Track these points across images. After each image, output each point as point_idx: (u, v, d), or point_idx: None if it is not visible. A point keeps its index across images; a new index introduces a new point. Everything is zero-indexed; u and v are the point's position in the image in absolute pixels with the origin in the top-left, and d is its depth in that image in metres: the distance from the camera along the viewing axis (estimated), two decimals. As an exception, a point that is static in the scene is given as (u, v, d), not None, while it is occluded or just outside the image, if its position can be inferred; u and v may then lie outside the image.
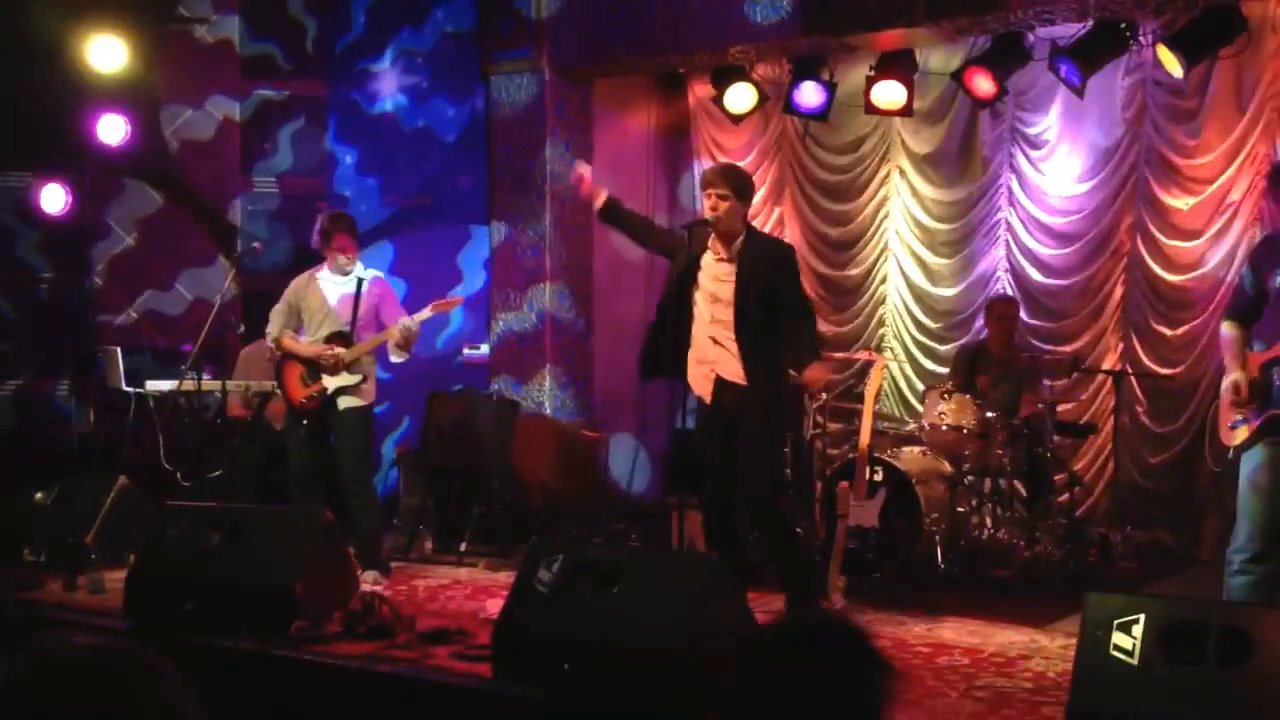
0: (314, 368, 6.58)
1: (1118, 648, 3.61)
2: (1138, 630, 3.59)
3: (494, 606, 5.38)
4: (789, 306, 5.57)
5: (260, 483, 7.35)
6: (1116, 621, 3.63)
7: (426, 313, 6.69)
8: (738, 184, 5.59)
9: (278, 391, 6.83)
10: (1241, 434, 4.63)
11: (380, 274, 6.92)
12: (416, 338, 6.68)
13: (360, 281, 6.68)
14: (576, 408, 8.87)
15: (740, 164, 9.33)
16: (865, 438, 6.51)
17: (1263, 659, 3.44)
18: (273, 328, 6.72)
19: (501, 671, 4.53)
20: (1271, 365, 4.55)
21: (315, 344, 6.60)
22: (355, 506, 6.53)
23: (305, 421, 6.61)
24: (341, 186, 9.43)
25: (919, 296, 8.86)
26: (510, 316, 8.87)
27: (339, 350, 6.53)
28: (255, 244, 7.22)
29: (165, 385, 7.46)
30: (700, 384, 5.68)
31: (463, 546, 7.56)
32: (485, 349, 8.99)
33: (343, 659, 4.94)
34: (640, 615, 4.31)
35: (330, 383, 6.55)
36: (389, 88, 9.32)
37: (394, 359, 6.77)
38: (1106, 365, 7.92)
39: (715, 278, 5.61)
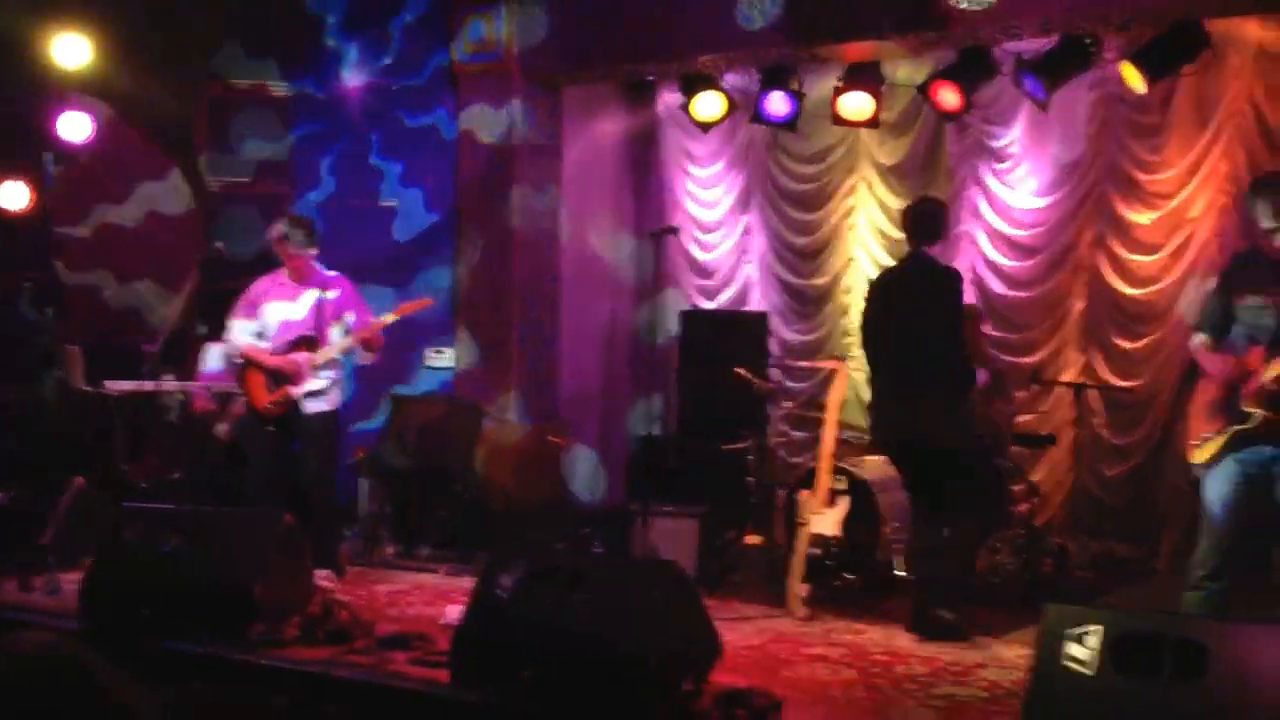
0: (278, 375, 6.54)
1: (1073, 658, 3.64)
2: (1093, 641, 3.61)
3: (454, 612, 5.37)
4: None
5: (217, 485, 7.29)
6: (1072, 632, 3.66)
7: (393, 315, 6.66)
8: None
9: (241, 397, 6.78)
10: (1208, 451, 4.67)
11: (343, 275, 6.88)
12: (381, 341, 6.65)
13: (324, 283, 6.64)
14: (541, 413, 8.85)
15: (708, 171, 9.43)
16: (828, 446, 6.54)
17: (1218, 673, 3.46)
18: (234, 332, 6.67)
19: (460, 678, 4.51)
20: (1235, 384, 4.60)
21: (278, 354, 6.55)
22: (316, 509, 6.49)
23: (270, 426, 6.57)
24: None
25: (883, 307, 8.89)
26: (475, 320, 8.85)
27: (300, 360, 6.49)
28: (217, 244, 7.17)
29: (126, 385, 7.40)
30: None
31: (424, 552, 7.53)
32: (450, 352, 8.96)
33: (301, 663, 4.92)
34: (601, 623, 4.31)
35: (295, 388, 6.52)
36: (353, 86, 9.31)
37: (361, 361, 6.74)
38: (1067, 377, 7.98)
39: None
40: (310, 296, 6.63)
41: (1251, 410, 4.49)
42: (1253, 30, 7.28)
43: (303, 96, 9.39)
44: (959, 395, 5.95)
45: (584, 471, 9.25)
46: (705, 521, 7.12)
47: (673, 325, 9.40)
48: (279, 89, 9.31)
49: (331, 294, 6.64)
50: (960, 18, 7.14)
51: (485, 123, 8.79)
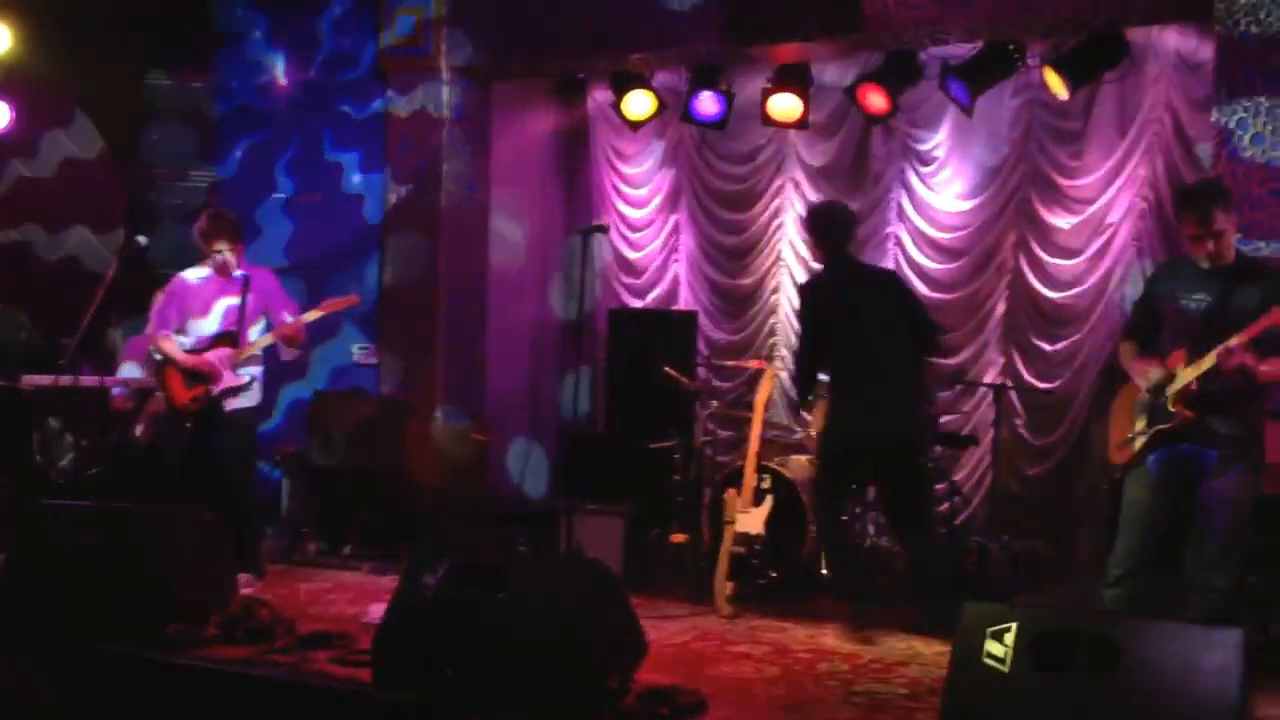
0: (195, 374, 6.46)
1: (990, 655, 3.69)
2: (1010, 639, 3.67)
3: (377, 611, 5.33)
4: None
5: (136, 482, 7.18)
6: (990, 630, 3.71)
7: (318, 312, 6.60)
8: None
9: (159, 393, 6.68)
10: (1130, 451, 4.76)
11: (268, 269, 6.81)
12: (304, 336, 6.58)
13: (246, 279, 6.56)
14: (467, 411, 8.81)
15: (638, 169, 9.44)
16: (754, 446, 6.58)
17: (1129, 667, 3.54)
18: (151, 327, 6.57)
19: (382, 677, 4.48)
20: (1161, 385, 4.69)
21: (197, 351, 6.47)
22: (236, 508, 6.41)
23: (189, 423, 6.48)
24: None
25: (810, 307, 8.96)
26: (402, 318, 8.79)
27: (214, 359, 6.41)
28: (139, 239, 7.05)
29: (43, 380, 7.25)
30: None
31: (347, 549, 7.47)
32: (375, 349, 8.89)
33: (220, 662, 4.86)
34: (525, 620, 4.30)
35: (215, 384, 6.43)
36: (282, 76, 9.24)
37: (284, 357, 6.67)
38: (988, 379, 8.10)
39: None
40: (233, 290, 6.54)
41: (1173, 410, 4.59)
42: (1171, 40, 7.44)
43: (241, 110, 9.35)
44: (925, 395, 6.07)
45: (516, 468, 9.23)
46: (631, 520, 7.13)
47: (601, 324, 9.41)
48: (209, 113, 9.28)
49: (256, 288, 6.56)
50: (883, 21, 7.21)
51: (413, 118, 8.72)
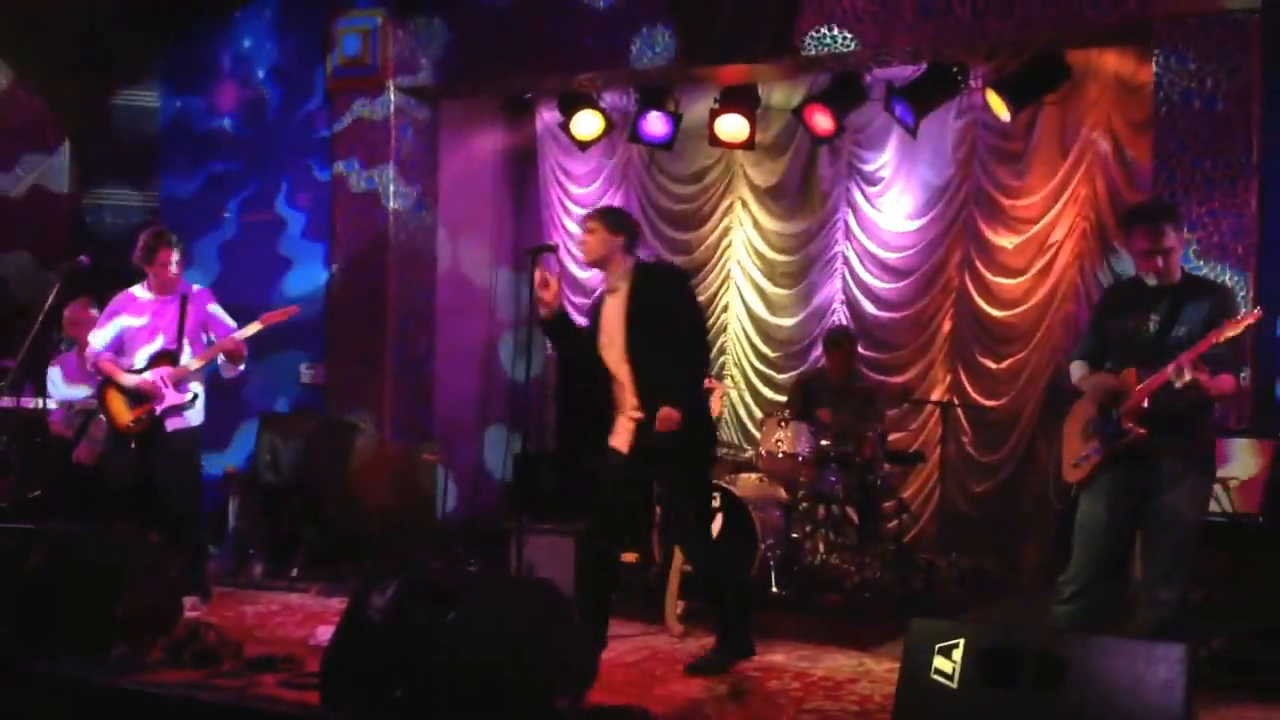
0: (137, 394, 6.39)
1: (939, 671, 3.73)
2: (958, 655, 3.71)
3: (325, 633, 5.29)
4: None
5: (79, 504, 7.07)
6: (938, 646, 3.75)
7: (256, 326, 6.54)
8: (605, 217, 5.56)
9: (102, 415, 6.60)
10: (1084, 469, 4.82)
11: (205, 288, 6.75)
12: (245, 353, 6.53)
13: (185, 298, 6.51)
14: (415, 431, 8.77)
15: (587, 190, 9.46)
16: (703, 464, 6.58)
17: (1075, 683, 3.59)
18: (90, 350, 6.50)
19: (330, 699, 4.44)
20: (1111, 404, 4.76)
21: (135, 370, 6.40)
22: (180, 529, 6.34)
23: (132, 444, 6.41)
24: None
25: (759, 326, 9.03)
26: (349, 336, 8.73)
27: (156, 378, 6.34)
28: (81, 258, 6.96)
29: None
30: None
31: (294, 571, 7.40)
32: (322, 369, 8.83)
33: (165, 687, 4.80)
34: (475, 641, 4.28)
35: (157, 404, 6.37)
36: (229, 98, 9.20)
37: (225, 375, 6.61)
38: (935, 396, 8.18)
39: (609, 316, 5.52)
40: (172, 309, 6.49)
41: (1128, 428, 4.66)
42: (1111, 62, 7.57)
43: (185, 129, 9.35)
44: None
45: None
46: (582, 539, 7.11)
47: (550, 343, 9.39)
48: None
49: (195, 306, 6.51)
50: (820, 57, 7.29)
51: (359, 138, 8.69)
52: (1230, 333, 4.45)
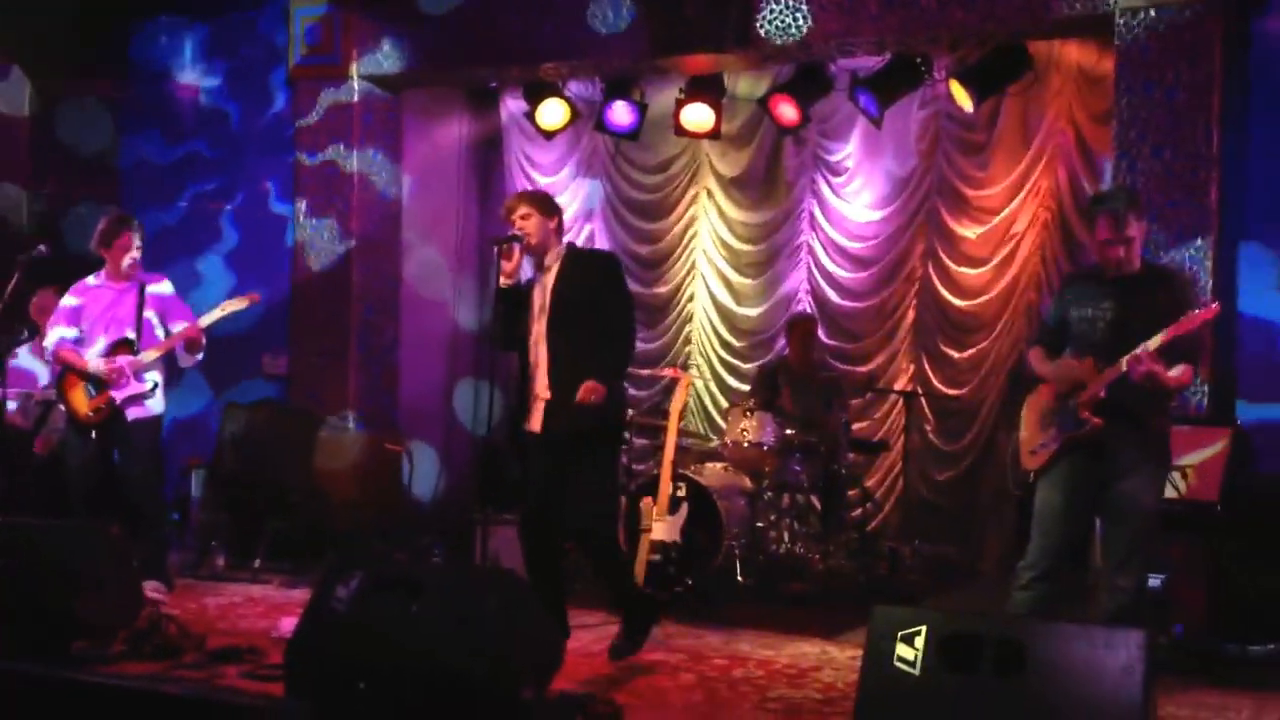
0: (98, 381, 6.34)
1: (901, 659, 3.75)
2: (920, 642, 3.73)
3: (288, 624, 5.26)
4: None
5: (38, 496, 7.01)
6: (900, 633, 3.77)
7: (217, 313, 6.49)
8: (539, 202, 5.52)
9: (62, 405, 6.54)
10: (1043, 457, 4.86)
11: (164, 277, 6.70)
12: (203, 341, 6.48)
13: (143, 286, 6.46)
14: (381, 420, 8.73)
15: (553, 179, 9.43)
16: (669, 454, 6.61)
17: (1035, 669, 3.62)
18: (51, 339, 6.44)
19: (294, 691, 4.42)
20: (1070, 393, 4.80)
21: (96, 359, 6.35)
22: (142, 519, 6.30)
23: (92, 435, 6.36)
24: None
25: (724, 315, 9.05)
26: (313, 326, 8.68)
27: (120, 364, 6.30)
28: (40, 246, 6.89)
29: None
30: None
31: (257, 563, 7.36)
32: (285, 359, 8.78)
33: (127, 679, 4.75)
34: (439, 633, 4.27)
35: (117, 393, 6.32)
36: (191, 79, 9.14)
37: (183, 364, 6.56)
38: (898, 386, 8.23)
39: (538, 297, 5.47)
40: (130, 297, 6.44)
41: (1085, 419, 4.70)
42: (1073, 53, 7.61)
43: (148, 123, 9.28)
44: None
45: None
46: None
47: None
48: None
49: (153, 294, 6.46)
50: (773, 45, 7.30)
51: (323, 127, 8.64)
52: (1187, 327, 4.49)
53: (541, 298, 5.44)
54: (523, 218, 5.44)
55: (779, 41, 7.27)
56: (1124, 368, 4.55)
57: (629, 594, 5.52)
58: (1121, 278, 4.78)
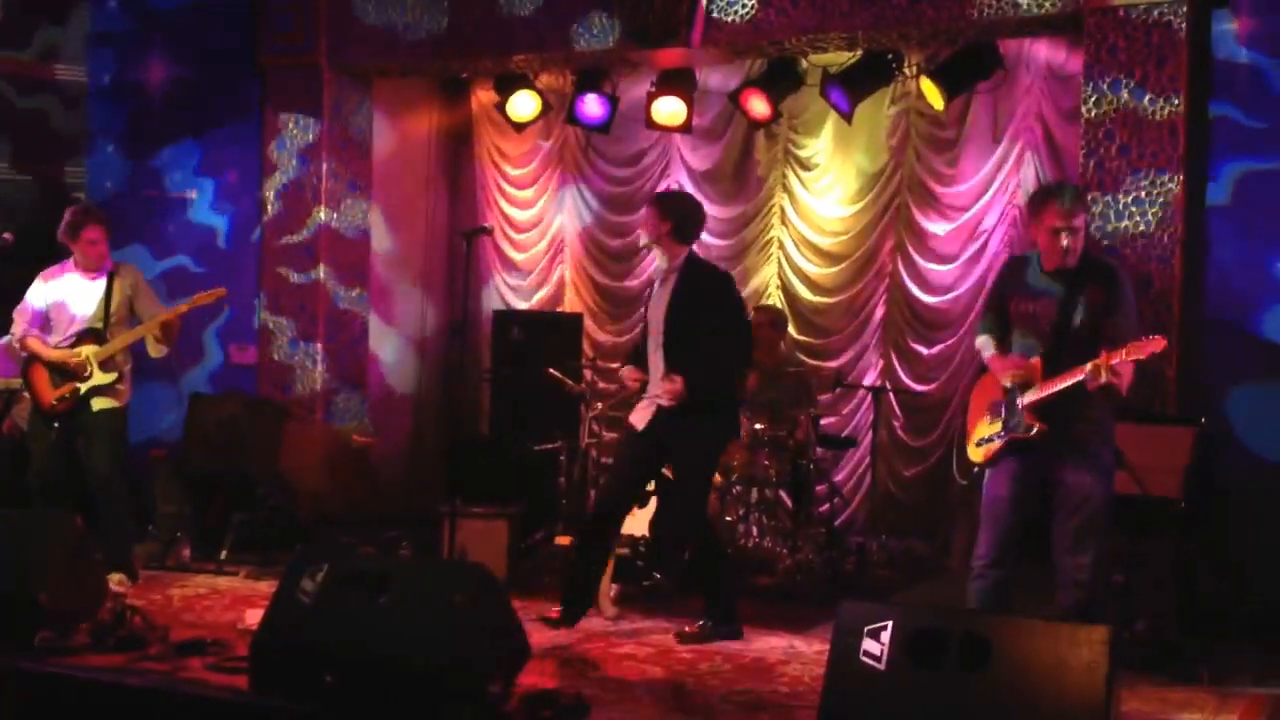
0: (63, 370, 6.29)
1: (867, 653, 3.77)
2: (886, 637, 3.76)
3: (253, 617, 5.23)
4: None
5: (5, 486, 6.96)
6: (867, 628, 3.80)
7: (184, 306, 6.47)
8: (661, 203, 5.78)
9: (25, 394, 6.49)
10: (987, 451, 4.91)
11: (133, 266, 6.65)
12: (178, 332, 6.45)
13: (112, 275, 6.41)
14: (350, 413, 8.70)
15: (523, 171, 9.41)
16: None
17: (999, 663, 3.65)
18: (16, 327, 6.39)
19: (259, 684, 4.41)
20: (1017, 391, 4.83)
21: (62, 348, 6.30)
22: (106, 511, 6.26)
23: (56, 424, 6.31)
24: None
25: (694, 309, 9.03)
26: (281, 317, 8.64)
27: (85, 353, 6.25)
28: (5, 235, 6.84)
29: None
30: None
31: (222, 554, 7.32)
32: (253, 349, 8.73)
33: (91, 671, 4.73)
34: (406, 626, 4.27)
35: (83, 383, 6.27)
36: (156, 76, 9.05)
37: (153, 354, 6.52)
38: (867, 381, 8.25)
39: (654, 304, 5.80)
40: (98, 287, 6.39)
41: (1030, 423, 4.75)
42: (1042, 51, 7.66)
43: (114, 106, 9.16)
44: None
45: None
46: (516, 523, 7.11)
47: (485, 325, 9.36)
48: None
49: (122, 285, 6.42)
50: (764, 29, 7.31)
51: (292, 115, 8.58)
52: (1136, 356, 4.53)
53: (659, 304, 5.75)
54: (645, 218, 5.77)
55: (729, 19, 7.27)
56: (1077, 377, 4.58)
57: (714, 591, 5.78)
58: (1062, 270, 4.81)
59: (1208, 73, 6.47)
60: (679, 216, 5.73)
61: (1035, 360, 4.78)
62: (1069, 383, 4.63)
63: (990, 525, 4.89)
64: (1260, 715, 4.87)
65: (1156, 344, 4.50)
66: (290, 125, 8.59)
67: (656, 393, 5.65)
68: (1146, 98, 6.40)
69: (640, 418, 5.74)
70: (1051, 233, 4.79)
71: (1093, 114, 6.53)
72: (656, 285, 5.86)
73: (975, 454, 4.99)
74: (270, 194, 8.66)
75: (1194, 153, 6.42)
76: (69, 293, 6.41)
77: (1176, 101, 6.35)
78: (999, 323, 5.01)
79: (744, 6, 7.27)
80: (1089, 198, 6.29)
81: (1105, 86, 6.49)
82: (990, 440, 4.90)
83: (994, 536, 4.87)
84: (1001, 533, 4.86)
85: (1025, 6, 6.67)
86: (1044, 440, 4.73)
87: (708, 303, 5.65)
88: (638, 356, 5.89)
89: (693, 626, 5.73)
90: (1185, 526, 5.54)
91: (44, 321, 6.40)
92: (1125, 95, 6.44)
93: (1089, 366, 4.56)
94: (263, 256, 8.71)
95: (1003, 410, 4.86)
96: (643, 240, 5.85)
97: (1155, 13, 6.37)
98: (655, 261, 5.97)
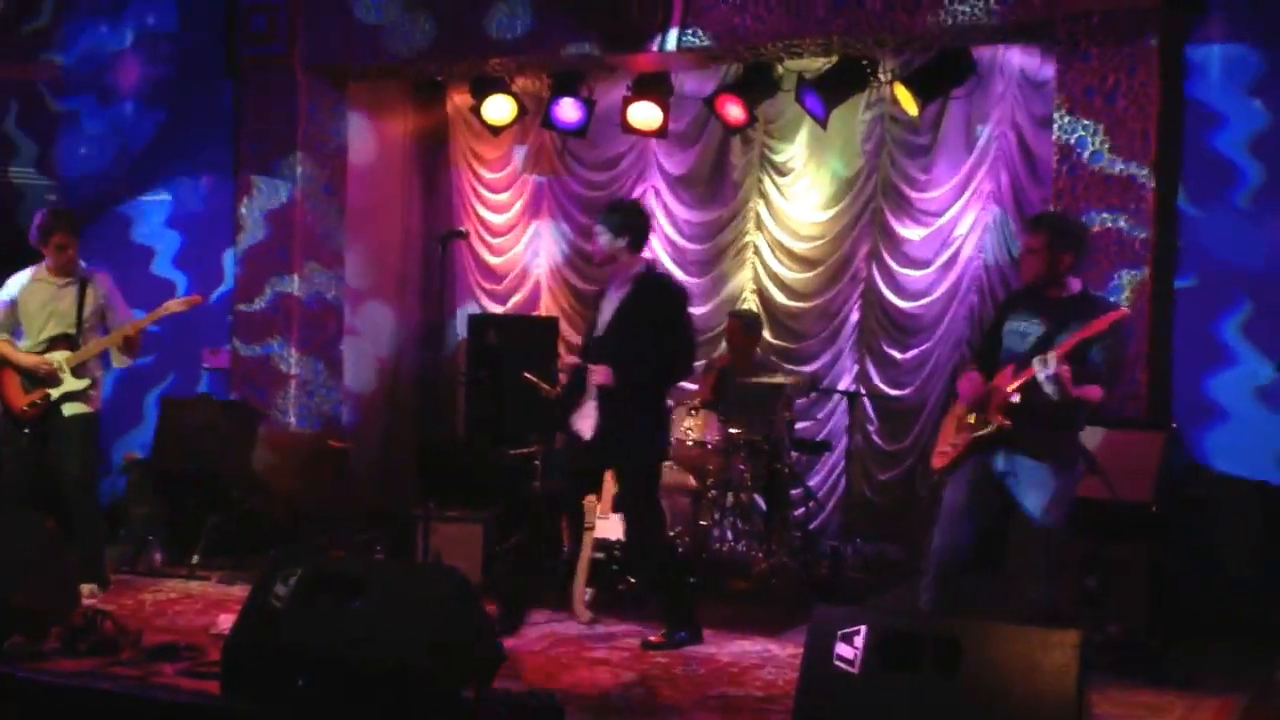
0: (35, 376, 6.25)
1: (841, 657, 3.78)
2: (859, 641, 3.77)
3: (226, 621, 5.22)
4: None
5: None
6: (840, 632, 3.81)
7: (155, 315, 6.44)
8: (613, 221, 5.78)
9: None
10: (948, 458, 4.97)
11: (106, 273, 6.62)
12: (139, 346, 6.43)
13: (84, 281, 6.38)
14: (323, 416, 8.66)
15: (498, 175, 9.40)
16: (613, 452, 6.60)
17: (971, 667, 3.67)
18: None
19: (231, 689, 4.38)
20: (987, 401, 4.88)
21: (33, 353, 6.27)
22: (77, 516, 6.22)
23: (27, 430, 6.27)
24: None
25: (669, 314, 9.04)
26: (255, 321, 8.60)
27: (57, 359, 6.22)
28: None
29: None
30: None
31: (195, 559, 7.29)
32: (226, 353, 8.69)
33: (62, 676, 4.70)
34: (380, 630, 4.25)
35: (55, 389, 6.23)
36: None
37: (117, 364, 6.49)
38: (842, 386, 8.27)
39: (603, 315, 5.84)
40: (70, 293, 6.36)
41: (994, 420, 4.80)
42: (1015, 58, 7.70)
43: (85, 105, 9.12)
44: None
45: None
46: (490, 526, 7.10)
47: (461, 329, 9.34)
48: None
49: (94, 291, 6.38)
50: (740, 35, 7.33)
51: (267, 117, 8.55)
52: (1097, 329, 4.59)
53: (608, 312, 5.78)
54: (597, 234, 5.80)
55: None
56: (1035, 368, 4.63)
57: (672, 598, 5.87)
58: (1060, 300, 4.88)
59: (1180, 80, 6.53)
60: (634, 230, 5.83)
61: (1007, 368, 4.83)
62: (1027, 378, 4.68)
63: (944, 533, 4.96)
64: (1230, 718, 4.91)
65: (1117, 314, 4.59)
66: (263, 129, 8.55)
67: (593, 384, 5.70)
68: (1119, 104, 6.43)
69: (586, 425, 5.79)
70: (1024, 253, 5.02)
71: (1065, 121, 6.56)
72: (610, 291, 5.89)
73: (936, 461, 5.08)
74: (246, 198, 8.62)
75: (1166, 157, 6.47)
76: (40, 297, 6.37)
77: (1148, 108, 6.39)
78: (989, 347, 5.09)
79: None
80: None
81: (1078, 93, 6.53)
82: (954, 445, 4.96)
83: (945, 544, 4.94)
84: (953, 540, 4.93)
85: (998, 13, 6.70)
86: (1004, 439, 4.78)
87: (658, 313, 5.73)
88: (578, 377, 5.92)
89: (657, 636, 5.74)
90: (1156, 530, 5.58)
91: (14, 326, 6.37)
92: (1098, 102, 6.47)
93: (1039, 356, 4.62)
94: (239, 261, 8.67)
95: (970, 420, 4.92)
96: (599, 259, 5.93)
97: (1128, 20, 6.39)
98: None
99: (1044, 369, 4.59)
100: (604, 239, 5.77)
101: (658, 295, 5.83)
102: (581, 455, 5.89)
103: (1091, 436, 5.53)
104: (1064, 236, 4.93)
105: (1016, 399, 4.75)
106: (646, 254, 6.25)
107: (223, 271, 8.77)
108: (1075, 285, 4.96)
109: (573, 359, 5.96)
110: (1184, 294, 6.55)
